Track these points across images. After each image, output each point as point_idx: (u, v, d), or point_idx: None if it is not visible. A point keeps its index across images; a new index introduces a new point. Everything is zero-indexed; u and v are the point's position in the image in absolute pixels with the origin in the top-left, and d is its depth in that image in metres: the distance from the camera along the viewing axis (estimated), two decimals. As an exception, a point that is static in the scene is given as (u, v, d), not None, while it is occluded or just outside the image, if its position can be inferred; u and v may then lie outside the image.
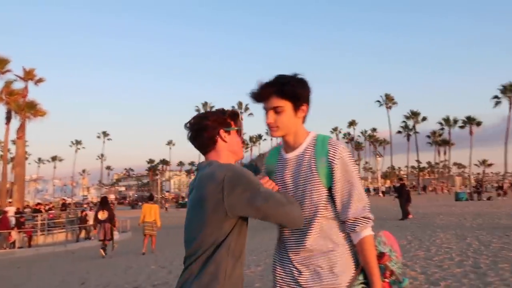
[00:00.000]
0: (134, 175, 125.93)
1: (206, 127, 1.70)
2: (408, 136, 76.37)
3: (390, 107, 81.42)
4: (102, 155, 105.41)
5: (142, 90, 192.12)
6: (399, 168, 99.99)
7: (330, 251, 1.62)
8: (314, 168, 1.64)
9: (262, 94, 1.65)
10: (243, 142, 2.31)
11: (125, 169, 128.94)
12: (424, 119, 73.54)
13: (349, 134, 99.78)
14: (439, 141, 74.73)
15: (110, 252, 12.47)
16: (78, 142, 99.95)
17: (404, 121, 75.58)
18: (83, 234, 20.53)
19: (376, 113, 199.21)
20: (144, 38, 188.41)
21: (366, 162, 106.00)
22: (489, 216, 15.13)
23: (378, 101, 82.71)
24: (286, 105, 1.63)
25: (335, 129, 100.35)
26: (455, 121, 70.35)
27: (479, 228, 11.47)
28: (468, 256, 7.13)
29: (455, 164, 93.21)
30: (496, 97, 59.02)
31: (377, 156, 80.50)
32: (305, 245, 1.64)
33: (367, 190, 63.22)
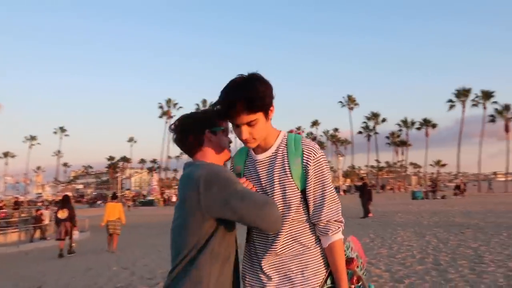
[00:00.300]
0: (92, 172, 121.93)
1: (191, 129, 1.65)
2: (369, 136, 78.81)
3: (352, 108, 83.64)
4: (58, 151, 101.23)
5: (103, 85, 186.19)
6: (359, 167, 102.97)
7: (301, 254, 1.59)
8: (288, 170, 1.58)
9: (232, 114, 1.50)
10: (231, 142, 1.86)
11: (83, 166, 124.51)
12: (384, 120, 76.20)
13: (311, 133, 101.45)
14: (397, 141, 77.50)
15: (66, 252, 11.99)
16: (32, 138, 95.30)
17: (365, 122, 77.95)
18: (37, 234, 19.53)
19: (338, 114, 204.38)
20: (107, 36, 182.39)
21: (328, 161, 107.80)
22: (444, 214, 15.85)
23: (341, 102, 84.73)
24: (258, 116, 1.52)
25: (298, 129, 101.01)
26: (413, 123, 73.27)
27: (436, 225, 11.97)
28: (428, 253, 7.39)
29: (411, 164, 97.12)
30: (450, 101, 62.00)
31: (339, 155, 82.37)
32: (275, 249, 1.58)
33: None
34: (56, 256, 11.73)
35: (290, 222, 1.58)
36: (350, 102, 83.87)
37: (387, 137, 78.21)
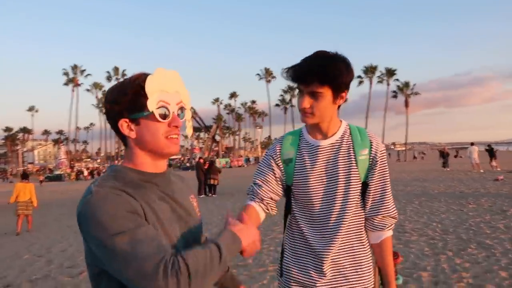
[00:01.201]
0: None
1: (107, 115, 1.14)
2: (285, 109, 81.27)
3: (269, 81, 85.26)
4: None
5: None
6: (275, 138, 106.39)
7: (354, 250, 1.55)
8: (354, 159, 1.54)
9: (304, 78, 1.45)
10: (176, 125, 1.13)
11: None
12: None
13: (230, 105, 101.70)
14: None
15: None
16: None
17: (281, 95, 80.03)
18: None
19: (256, 86, 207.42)
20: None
21: (246, 133, 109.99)
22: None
23: (258, 74, 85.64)
24: (326, 92, 1.46)
25: (216, 100, 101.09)
26: (325, 97, 77.30)
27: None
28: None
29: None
30: (359, 77, 66.17)
31: (257, 127, 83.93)
32: (336, 243, 1.52)
33: (247, 160, 65.74)
34: None
35: (351, 215, 1.54)
36: (267, 75, 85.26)
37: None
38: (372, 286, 1.56)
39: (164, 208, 1.12)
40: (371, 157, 1.54)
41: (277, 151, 1.63)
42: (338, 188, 1.52)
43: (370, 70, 66.28)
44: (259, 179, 1.63)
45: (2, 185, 44.26)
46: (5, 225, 12.22)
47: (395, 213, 1.58)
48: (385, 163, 1.57)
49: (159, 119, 1.10)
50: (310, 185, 1.54)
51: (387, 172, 1.57)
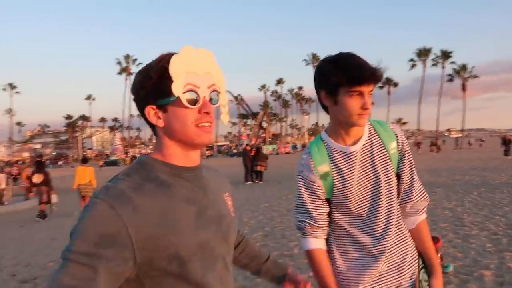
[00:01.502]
0: (50, 132, 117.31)
1: (134, 101, 1.03)
2: (333, 94, 79.47)
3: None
4: (10, 109, 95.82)
5: (55, 38, 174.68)
6: (323, 125, 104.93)
7: (402, 241, 1.55)
8: (387, 155, 1.53)
9: (369, 79, 1.41)
10: (207, 112, 0.97)
11: (39, 125, 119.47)
12: (348, 78, 77.20)
13: (276, 92, 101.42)
14: (361, 100, 79.29)
15: (49, 214, 11.90)
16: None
17: (329, 80, 78.37)
18: (-7, 200, 18.37)
19: (303, 72, 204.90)
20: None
21: (293, 119, 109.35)
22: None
23: (305, 60, 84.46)
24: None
25: (263, 87, 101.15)
26: (376, 81, 74.96)
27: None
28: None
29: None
30: (412, 60, 63.13)
31: (304, 114, 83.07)
32: (388, 240, 1.51)
33: (295, 147, 65.45)
34: (16, 226, 11.11)
35: (396, 211, 1.54)
36: (314, 60, 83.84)
37: (351, 96, 79.76)
38: (417, 273, 1.57)
39: (188, 210, 0.97)
40: (399, 148, 1.56)
41: (311, 168, 1.54)
42: (381, 188, 1.51)
43: (423, 53, 63.02)
44: (307, 206, 1.57)
45: (65, 169, 47.33)
46: (69, 204, 13.00)
47: (426, 196, 1.60)
48: (410, 151, 1.59)
49: (187, 105, 0.95)
50: (354, 194, 1.51)
51: (412, 158, 1.60)
